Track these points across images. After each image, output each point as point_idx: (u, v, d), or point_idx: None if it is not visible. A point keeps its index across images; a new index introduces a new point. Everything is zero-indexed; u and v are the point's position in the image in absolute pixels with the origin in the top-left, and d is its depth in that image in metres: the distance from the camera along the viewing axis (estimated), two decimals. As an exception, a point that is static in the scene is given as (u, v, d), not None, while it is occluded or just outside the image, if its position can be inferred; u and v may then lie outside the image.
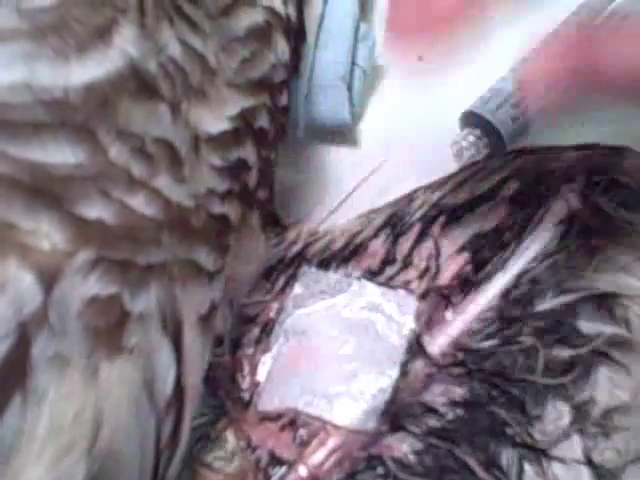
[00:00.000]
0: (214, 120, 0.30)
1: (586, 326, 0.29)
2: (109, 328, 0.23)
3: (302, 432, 0.30)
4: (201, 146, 0.29)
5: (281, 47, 0.35)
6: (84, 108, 0.24)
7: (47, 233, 0.22)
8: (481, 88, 0.42)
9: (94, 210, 0.23)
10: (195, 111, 0.29)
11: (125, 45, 0.25)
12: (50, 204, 0.23)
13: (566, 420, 0.29)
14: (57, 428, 0.21)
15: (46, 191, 0.23)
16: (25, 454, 0.21)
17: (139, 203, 0.25)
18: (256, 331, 0.33)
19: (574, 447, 0.28)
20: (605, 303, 0.29)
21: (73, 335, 0.22)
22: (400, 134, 0.42)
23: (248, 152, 0.32)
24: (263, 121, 0.33)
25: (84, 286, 0.23)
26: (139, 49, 0.25)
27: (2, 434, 0.20)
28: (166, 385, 0.25)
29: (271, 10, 0.35)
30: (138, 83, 0.25)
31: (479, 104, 0.41)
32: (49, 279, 0.22)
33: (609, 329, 0.29)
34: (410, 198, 0.34)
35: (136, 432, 0.24)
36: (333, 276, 0.33)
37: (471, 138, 0.40)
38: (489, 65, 0.44)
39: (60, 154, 0.23)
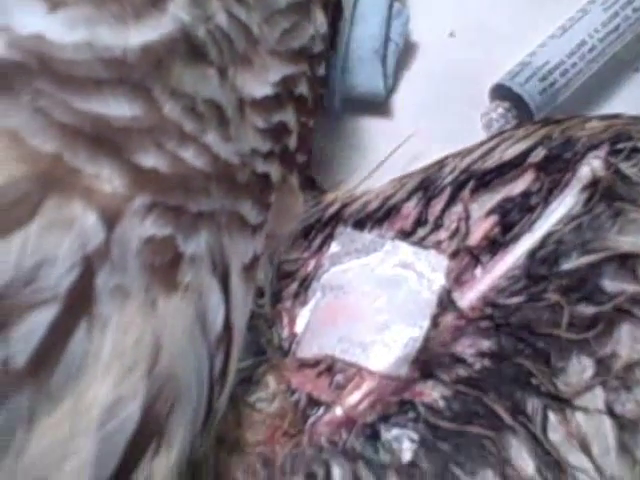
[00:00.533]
0: (258, 85, 0.31)
1: (609, 285, 0.30)
2: (164, 266, 0.25)
3: (338, 377, 0.31)
4: (246, 109, 0.30)
5: (320, 20, 0.36)
6: (140, 67, 0.25)
7: (108, 178, 0.24)
8: (510, 63, 0.43)
9: (149, 160, 0.25)
10: (240, 76, 0.30)
11: (177, 12, 0.26)
12: (111, 152, 0.24)
13: (589, 373, 0.29)
14: (120, 351, 0.23)
15: (107, 140, 0.24)
16: (92, 373, 0.22)
17: (190, 156, 0.26)
18: (295, 286, 0.34)
19: (596, 398, 0.29)
20: (627, 263, 0.30)
21: (132, 271, 0.24)
22: (431, 106, 0.44)
23: (289, 116, 0.33)
24: (303, 88, 0.34)
25: (142, 227, 0.24)
26: (190, 16, 0.26)
27: (72, 355, 0.22)
28: (216, 322, 0.27)
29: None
30: (189, 47, 0.27)
31: (508, 77, 0.42)
32: (111, 219, 0.23)
33: (631, 287, 0.30)
34: (441, 164, 0.35)
35: (192, 361, 0.26)
36: (368, 236, 0.34)
37: (500, 110, 0.41)
38: (518, 41, 0.45)
39: (119, 108, 0.25)
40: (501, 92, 0.42)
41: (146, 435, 0.24)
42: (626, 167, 0.31)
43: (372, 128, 0.44)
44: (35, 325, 0.21)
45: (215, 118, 0.28)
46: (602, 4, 0.43)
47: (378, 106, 0.45)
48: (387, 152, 0.39)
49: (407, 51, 0.46)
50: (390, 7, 0.44)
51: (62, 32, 0.24)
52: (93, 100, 0.24)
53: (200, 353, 0.26)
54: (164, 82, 0.26)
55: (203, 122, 0.27)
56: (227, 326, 0.28)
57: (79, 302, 0.22)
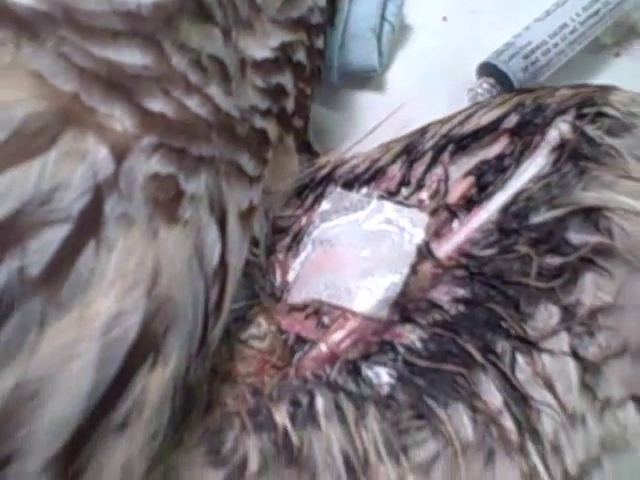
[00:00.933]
0: (258, 48, 0.33)
1: (574, 237, 0.32)
2: (167, 201, 0.27)
3: (324, 319, 0.33)
4: (246, 69, 0.32)
5: None
6: (152, 22, 0.27)
7: (120, 118, 0.26)
8: (498, 44, 0.45)
9: (157, 104, 0.27)
10: (243, 39, 0.32)
11: None
12: (123, 96, 0.26)
13: (555, 319, 0.31)
14: (123, 271, 0.25)
15: (120, 85, 0.26)
16: (97, 288, 0.24)
17: (193, 104, 0.28)
18: (287, 240, 0.36)
19: (561, 342, 0.31)
20: (591, 216, 0.32)
21: (137, 202, 0.26)
22: (422, 82, 0.46)
23: (286, 80, 0.35)
24: (300, 56, 0.37)
25: (147, 164, 0.26)
26: None
27: (80, 270, 0.24)
28: (213, 257, 0.29)
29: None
30: (197, 7, 0.29)
31: (494, 56, 0.44)
32: (120, 154, 0.25)
33: (594, 239, 0.31)
34: (424, 130, 0.37)
35: (189, 288, 0.27)
36: (356, 195, 0.36)
37: (485, 85, 0.43)
38: (506, 25, 0.47)
39: (132, 57, 0.27)
40: (487, 69, 0.44)
41: (144, 348, 0.25)
42: (591, 130, 0.33)
43: (366, 101, 0.46)
44: (49, 240, 0.23)
45: (218, 73, 0.30)
46: (583, -9, 0.45)
47: (372, 81, 0.47)
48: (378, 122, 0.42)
49: (401, 32, 0.48)
50: (386, -10, 0.46)
51: None
52: (109, 49, 0.26)
53: (197, 283, 0.28)
54: (173, 37, 0.28)
55: (207, 76, 0.29)
56: (223, 263, 0.30)
57: (89, 224, 0.24)
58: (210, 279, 0.29)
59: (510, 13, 0.48)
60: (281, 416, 0.30)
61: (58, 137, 0.24)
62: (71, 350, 0.24)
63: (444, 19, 0.49)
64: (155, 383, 0.26)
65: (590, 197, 0.32)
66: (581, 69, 0.47)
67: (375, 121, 0.42)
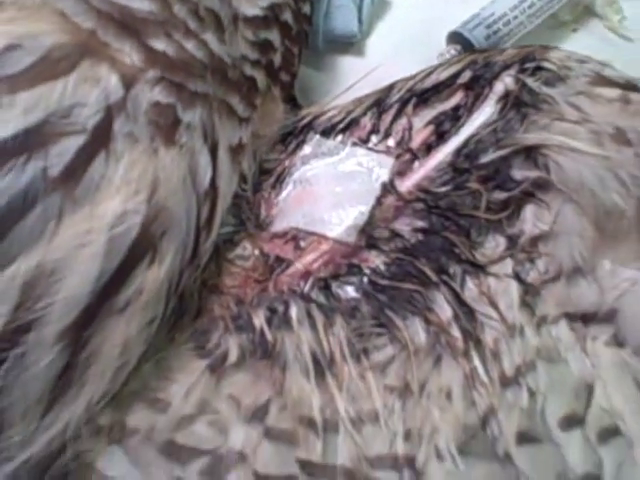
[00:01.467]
0: (250, 6, 0.37)
1: (517, 173, 0.35)
2: (166, 125, 0.31)
3: (301, 243, 0.37)
4: (239, 23, 0.36)
5: None
6: None
7: (129, 53, 0.30)
8: (466, 15, 0.49)
9: (160, 44, 0.31)
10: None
11: None
12: (132, 35, 0.30)
13: (501, 247, 0.35)
14: (127, 179, 0.29)
15: (130, 26, 0.30)
16: (106, 191, 0.28)
17: (191, 47, 0.32)
18: (272, 180, 0.40)
19: (506, 267, 0.34)
20: (531, 154, 0.35)
21: (141, 123, 0.30)
22: (398, 49, 0.50)
23: (274, 36, 0.39)
24: (287, 17, 0.40)
25: (151, 93, 0.30)
26: None
27: (92, 174, 0.28)
28: (205, 179, 0.33)
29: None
30: None
31: (461, 25, 0.48)
32: (128, 82, 0.29)
33: (533, 174, 0.35)
34: (391, 86, 0.41)
35: (183, 201, 0.31)
36: (332, 142, 0.40)
37: (452, 51, 0.47)
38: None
39: (141, 3, 0.31)
40: (455, 37, 0.48)
41: (143, 246, 0.29)
42: (531, 82, 0.37)
43: (347, 64, 0.50)
44: (67, 147, 0.27)
45: (213, 23, 0.34)
46: (545, -31, 0.49)
47: (353, 46, 0.51)
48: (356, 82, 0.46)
49: (381, 4, 0.52)
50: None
51: None
52: None
53: (190, 198, 0.32)
54: None
55: (203, 24, 0.33)
56: (213, 186, 0.34)
57: (100, 137, 0.28)
58: (202, 198, 0.33)
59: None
60: (259, 320, 0.34)
61: (77, 64, 0.28)
62: (83, 239, 0.28)
63: (421, -5, 0.53)
64: (152, 277, 0.30)
65: (530, 138, 0.36)
66: (541, 42, 0.50)
67: (354, 79, 0.46)
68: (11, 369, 0.27)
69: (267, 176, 0.41)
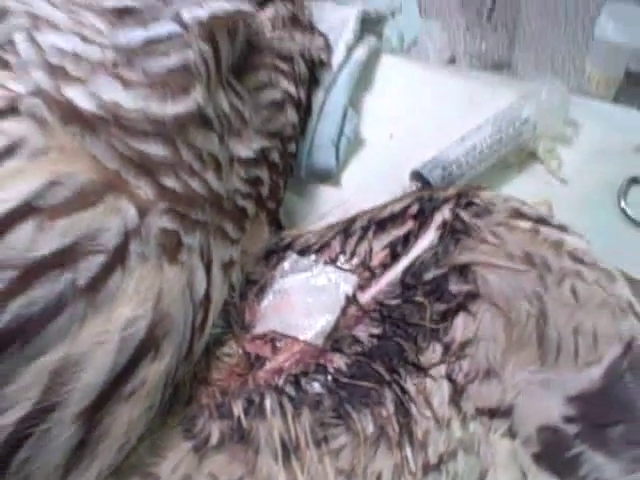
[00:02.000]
0: (244, 149, 0.43)
1: (453, 287, 0.41)
2: (171, 247, 0.36)
3: (277, 344, 0.42)
4: (234, 163, 0.42)
5: (291, 115, 0.49)
6: (171, 127, 0.36)
7: (144, 189, 0.35)
8: (426, 157, 0.56)
9: (170, 182, 0.36)
10: (232, 142, 0.42)
11: (197, 97, 0.37)
12: (147, 174, 0.36)
13: (438, 353, 0.40)
14: (138, 290, 0.34)
15: (146, 167, 0.36)
16: (120, 299, 0.33)
17: (195, 184, 0.38)
18: (255, 289, 0.46)
19: (441, 369, 0.40)
20: (463, 271, 0.41)
21: (151, 246, 0.35)
22: (368, 182, 0.56)
23: (263, 174, 0.46)
24: (275, 157, 0.47)
25: (160, 221, 0.36)
26: (204, 101, 0.38)
27: (111, 286, 0.33)
28: (200, 291, 0.38)
29: (287, 92, 0.49)
30: (202, 119, 0.38)
31: (421, 166, 0.55)
32: (142, 212, 0.35)
33: (465, 287, 0.41)
34: (356, 216, 0.48)
35: (182, 309, 0.36)
36: (307, 260, 0.46)
37: (413, 187, 0.54)
38: (434, 144, 0.58)
39: (156, 149, 0.36)
40: (416, 176, 0.54)
41: (148, 346, 0.34)
42: (464, 214, 0.44)
43: (324, 193, 0.56)
44: (93, 264, 0.33)
45: (213, 164, 0.40)
46: (492, 123, 0.57)
47: (330, 179, 0.58)
48: (331, 209, 0.52)
49: (356, 144, 0.59)
50: (345, 113, 0.57)
51: (129, 101, 0.36)
52: (141, 143, 0.36)
53: (187, 307, 0.37)
54: (184, 137, 0.37)
55: (205, 166, 0.39)
56: (207, 296, 0.39)
57: (119, 256, 0.34)
58: (197, 306, 0.38)
59: (437, 136, 0.58)
60: (237, 409, 0.39)
61: (103, 197, 0.34)
62: (100, 338, 0.33)
63: (390, 136, 0.60)
64: (153, 371, 0.35)
65: (462, 258, 0.42)
66: (490, 181, 0.57)
67: (330, 206, 0.53)
68: (37, 442, 0.32)
69: (251, 286, 0.47)
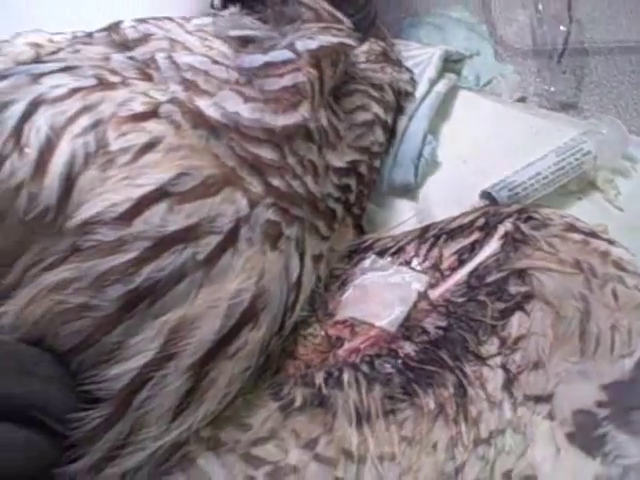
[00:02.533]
0: (337, 160, 0.46)
1: (512, 288, 0.43)
2: (273, 235, 0.39)
3: (356, 329, 0.45)
4: (329, 171, 0.46)
5: (378, 135, 0.52)
6: (280, 135, 0.40)
7: (255, 185, 0.39)
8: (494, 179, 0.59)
9: (276, 182, 0.40)
10: (329, 153, 0.45)
11: (303, 112, 0.41)
12: (258, 173, 0.39)
13: (495, 345, 0.42)
14: (244, 269, 0.37)
15: (257, 167, 0.39)
16: (230, 275, 0.36)
17: (296, 185, 0.41)
18: (338, 283, 0.49)
19: (497, 359, 0.42)
20: (521, 274, 0.43)
21: (257, 233, 0.38)
22: (442, 198, 0.59)
23: (352, 182, 0.49)
24: (363, 169, 0.50)
25: (266, 213, 0.39)
26: (309, 117, 0.41)
27: (224, 262, 0.36)
28: (294, 275, 0.41)
29: (377, 115, 0.52)
30: (306, 132, 0.42)
31: (490, 187, 0.57)
32: (252, 204, 0.38)
33: (523, 289, 0.43)
34: (429, 225, 0.50)
35: (278, 288, 0.40)
36: (385, 261, 0.49)
37: (482, 204, 0.56)
38: (504, 169, 0.60)
39: (267, 153, 0.39)
40: (485, 195, 0.57)
41: (249, 315, 0.38)
42: (524, 227, 0.46)
43: (403, 206, 0.59)
44: (211, 242, 0.36)
45: (312, 170, 0.43)
46: (556, 153, 0.58)
47: (408, 193, 0.61)
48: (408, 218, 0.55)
49: (433, 165, 0.62)
50: (425, 137, 0.60)
51: (247, 112, 0.40)
52: (255, 147, 0.40)
53: (282, 287, 0.40)
54: (290, 145, 0.41)
55: (305, 170, 0.42)
56: (299, 281, 0.42)
57: (231, 239, 0.37)
58: (290, 288, 0.41)
59: (505, 163, 0.61)
60: (319, 379, 0.42)
61: (222, 189, 0.38)
62: (212, 303, 0.36)
63: (464, 161, 0.63)
64: (252, 337, 0.38)
65: (520, 263, 0.44)
66: (551, 205, 0.58)
67: (407, 216, 0.55)
68: (155, 385, 0.35)
69: (335, 279, 0.49)
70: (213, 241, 0.37)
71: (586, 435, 0.39)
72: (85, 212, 0.35)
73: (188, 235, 0.36)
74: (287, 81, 0.41)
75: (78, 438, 0.34)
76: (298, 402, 0.41)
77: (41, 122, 0.36)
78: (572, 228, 0.45)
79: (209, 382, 0.37)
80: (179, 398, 0.36)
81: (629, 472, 0.38)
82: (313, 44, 0.43)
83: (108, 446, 0.35)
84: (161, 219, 0.36)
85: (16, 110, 0.36)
